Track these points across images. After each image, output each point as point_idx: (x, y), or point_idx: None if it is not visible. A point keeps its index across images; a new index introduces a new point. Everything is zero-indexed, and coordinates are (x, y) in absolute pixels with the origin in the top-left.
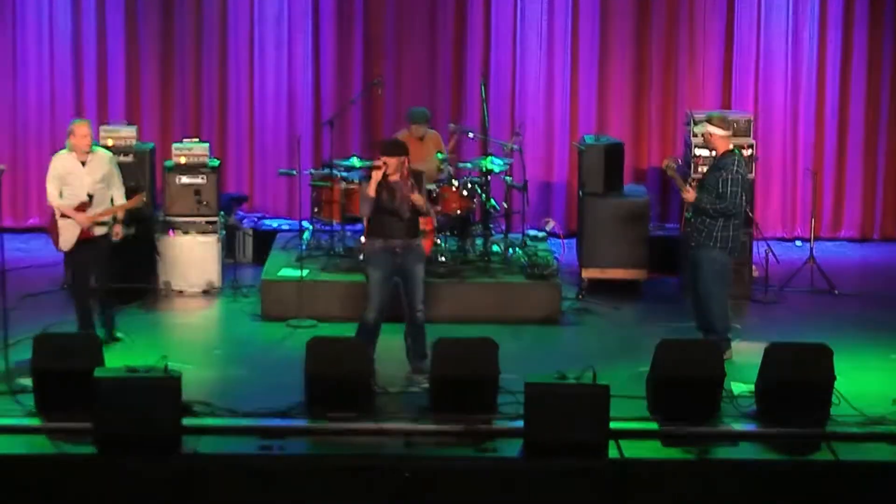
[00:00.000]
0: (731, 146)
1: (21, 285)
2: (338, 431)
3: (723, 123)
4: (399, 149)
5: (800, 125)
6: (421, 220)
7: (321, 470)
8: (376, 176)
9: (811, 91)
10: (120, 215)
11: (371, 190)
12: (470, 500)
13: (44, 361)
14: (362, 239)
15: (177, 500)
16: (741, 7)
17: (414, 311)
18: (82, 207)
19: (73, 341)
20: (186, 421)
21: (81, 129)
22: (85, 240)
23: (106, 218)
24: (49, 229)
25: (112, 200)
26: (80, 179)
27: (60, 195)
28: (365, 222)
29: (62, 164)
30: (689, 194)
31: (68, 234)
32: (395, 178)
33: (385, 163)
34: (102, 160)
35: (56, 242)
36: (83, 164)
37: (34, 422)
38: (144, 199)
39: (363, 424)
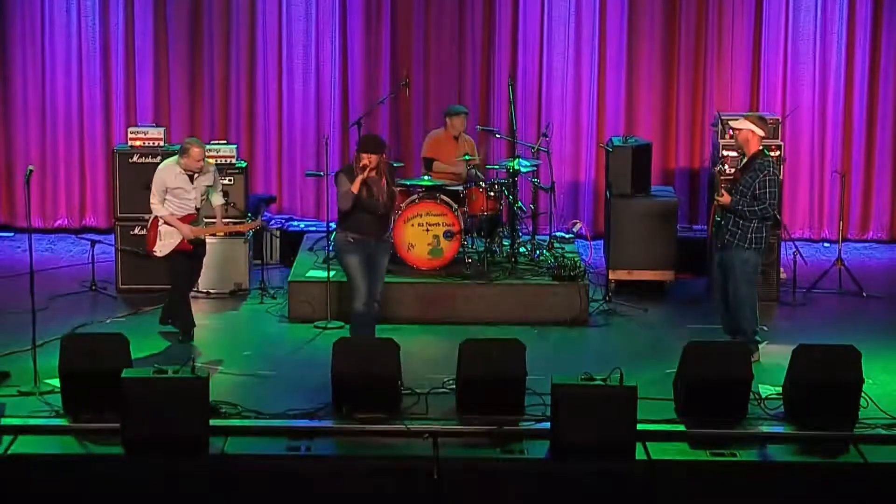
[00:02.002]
0: (760, 147)
1: (49, 286)
2: (365, 432)
3: (761, 123)
4: (379, 145)
5: (828, 126)
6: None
7: (348, 471)
8: (363, 175)
9: (839, 92)
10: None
11: (356, 188)
12: (497, 501)
13: (72, 362)
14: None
15: (204, 500)
16: (769, 8)
17: (371, 302)
18: (189, 219)
19: (100, 342)
20: (214, 422)
21: (198, 153)
22: (181, 250)
23: (212, 235)
24: (148, 232)
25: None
26: (188, 193)
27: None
28: (339, 216)
29: (170, 177)
30: (725, 198)
31: (168, 241)
32: (373, 174)
33: (369, 160)
34: (208, 175)
35: (151, 245)
36: (191, 178)
37: (62, 422)
38: (260, 224)
39: (390, 425)
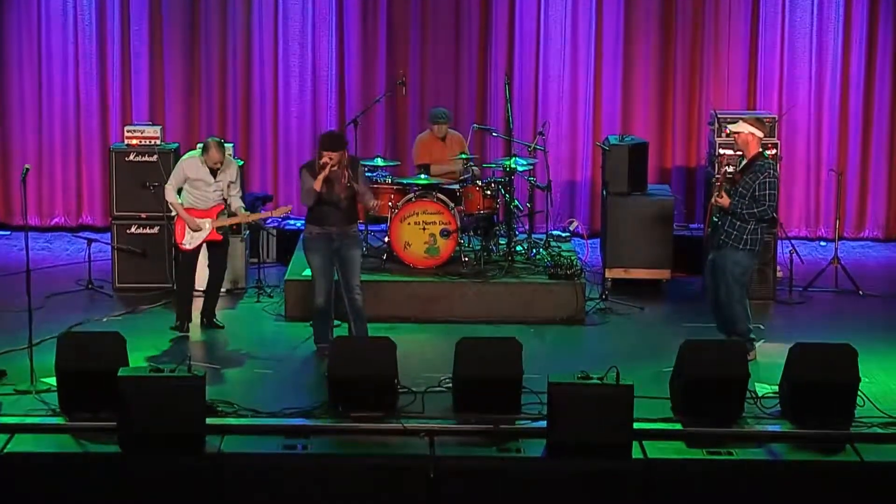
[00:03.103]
0: (759, 148)
1: (46, 284)
2: (361, 431)
3: (759, 124)
4: (339, 142)
5: (824, 125)
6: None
7: (344, 470)
8: (324, 173)
9: (835, 91)
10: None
11: (318, 185)
12: (493, 500)
13: (68, 361)
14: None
15: (200, 499)
16: (765, 7)
17: (351, 294)
18: (217, 209)
19: (97, 341)
20: (210, 420)
21: (216, 155)
22: (209, 241)
23: (232, 223)
24: (174, 226)
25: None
26: (208, 186)
27: (179, 193)
28: (306, 211)
29: (191, 169)
30: (724, 199)
31: (197, 234)
32: (335, 169)
33: (330, 158)
34: (230, 171)
35: (179, 238)
36: (213, 173)
37: (58, 421)
38: (290, 210)
39: (386, 424)
